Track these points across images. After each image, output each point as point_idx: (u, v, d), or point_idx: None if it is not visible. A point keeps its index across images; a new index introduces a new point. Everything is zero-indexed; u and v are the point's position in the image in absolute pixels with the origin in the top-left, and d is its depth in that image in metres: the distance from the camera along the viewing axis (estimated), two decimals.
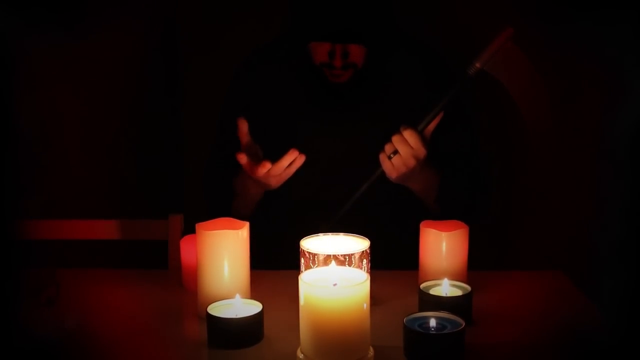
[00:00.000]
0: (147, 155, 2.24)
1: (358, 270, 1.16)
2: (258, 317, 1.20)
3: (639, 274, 1.64)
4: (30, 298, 1.34)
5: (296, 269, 1.23)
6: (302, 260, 1.21)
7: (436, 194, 1.64)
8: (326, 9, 1.48)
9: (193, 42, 2.32)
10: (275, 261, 1.54)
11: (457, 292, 1.28)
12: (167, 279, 1.51)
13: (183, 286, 1.44)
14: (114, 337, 1.25)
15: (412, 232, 1.42)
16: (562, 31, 1.99)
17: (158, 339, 1.24)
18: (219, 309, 1.21)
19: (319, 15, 1.49)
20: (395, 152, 1.52)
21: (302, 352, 1.11)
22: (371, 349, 1.12)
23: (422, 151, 1.52)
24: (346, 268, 1.16)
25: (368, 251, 1.21)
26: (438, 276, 1.33)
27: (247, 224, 1.30)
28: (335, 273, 1.13)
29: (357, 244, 1.23)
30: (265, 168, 1.48)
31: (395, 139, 1.52)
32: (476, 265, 1.42)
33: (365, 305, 1.09)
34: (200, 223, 1.30)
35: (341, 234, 1.26)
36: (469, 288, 1.28)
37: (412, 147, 1.51)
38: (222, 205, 1.68)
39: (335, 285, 1.10)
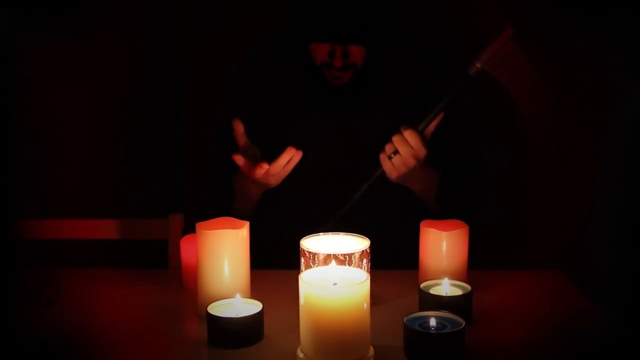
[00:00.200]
0: (147, 155, 2.24)
1: (358, 269, 1.16)
2: (258, 316, 1.20)
3: (639, 274, 1.64)
4: (30, 298, 1.34)
5: (296, 268, 1.23)
6: (302, 260, 1.21)
7: (436, 193, 1.65)
8: (326, 9, 1.48)
9: (193, 42, 2.32)
10: (276, 261, 1.54)
11: (457, 292, 1.28)
12: (168, 278, 1.51)
13: (183, 286, 1.44)
14: (114, 336, 1.25)
15: (412, 232, 1.42)
16: (563, 31, 2.00)
17: (158, 338, 1.24)
18: (219, 309, 1.21)
19: (320, 16, 1.49)
20: (396, 152, 1.52)
21: (302, 352, 1.11)
22: (371, 348, 1.12)
23: (422, 151, 1.52)
24: (346, 267, 1.16)
25: (368, 251, 1.21)
26: (438, 276, 1.33)
27: (247, 224, 1.30)
28: (335, 272, 1.13)
29: (357, 244, 1.23)
30: (262, 169, 1.49)
31: (395, 139, 1.52)
32: (476, 264, 1.42)
33: (366, 304, 1.09)
34: (201, 222, 1.30)
35: (341, 233, 1.26)
36: (469, 287, 1.28)
37: (412, 147, 1.51)
38: (222, 206, 1.68)
39: (335, 284, 1.10)
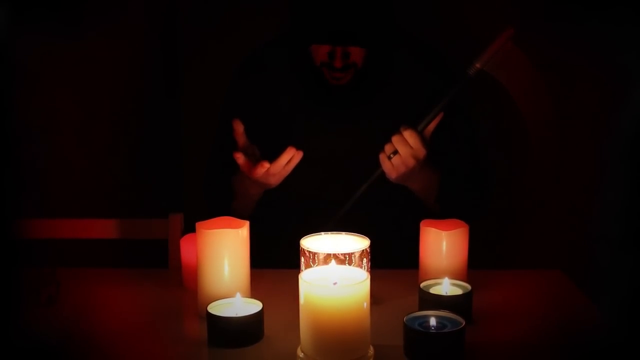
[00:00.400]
0: (147, 155, 2.24)
1: (358, 269, 1.16)
2: (258, 316, 1.20)
3: (639, 274, 1.64)
4: (30, 298, 1.34)
5: (296, 268, 1.23)
6: (303, 259, 1.21)
7: (436, 193, 1.65)
8: (326, 11, 1.48)
9: (193, 42, 2.32)
10: (276, 260, 1.54)
11: (457, 291, 1.28)
12: (168, 278, 1.51)
13: (183, 285, 1.44)
14: (114, 336, 1.25)
15: (412, 231, 1.42)
16: (562, 31, 2.00)
17: (158, 338, 1.24)
18: (219, 308, 1.21)
19: (319, 17, 1.49)
20: (395, 152, 1.52)
21: (302, 351, 1.11)
22: (371, 348, 1.12)
23: (421, 151, 1.52)
24: (346, 267, 1.16)
25: (368, 250, 1.21)
26: (438, 275, 1.33)
27: (247, 223, 1.30)
28: (335, 272, 1.14)
29: (357, 243, 1.23)
30: (263, 168, 1.49)
31: (395, 139, 1.52)
32: (476, 264, 1.42)
33: (366, 304, 1.09)
34: (201, 222, 1.30)
35: (341, 233, 1.26)
36: (469, 287, 1.28)
37: (411, 147, 1.51)
38: (222, 206, 1.68)
39: (335, 284, 1.10)
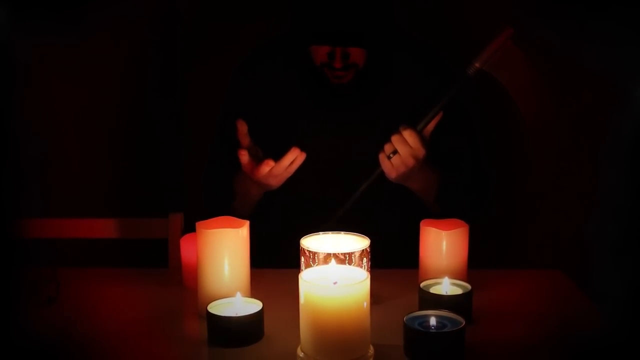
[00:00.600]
0: (147, 154, 2.24)
1: (358, 268, 1.16)
2: (258, 315, 1.20)
3: (639, 274, 1.64)
4: (30, 297, 1.34)
5: (296, 267, 1.23)
6: (303, 259, 1.21)
7: (436, 193, 1.65)
8: (325, 11, 1.48)
9: (193, 42, 2.32)
10: (276, 260, 1.54)
11: (457, 291, 1.28)
12: (168, 277, 1.51)
13: (183, 285, 1.44)
14: (114, 335, 1.25)
15: (412, 231, 1.42)
16: (562, 31, 2.00)
17: (158, 337, 1.24)
18: (219, 308, 1.21)
19: (319, 17, 1.49)
20: (395, 152, 1.52)
21: (302, 351, 1.11)
22: (371, 347, 1.12)
23: (421, 151, 1.52)
24: (346, 267, 1.16)
25: (368, 250, 1.21)
26: (438, 275, 1.33)
27: (247, 223, 1.30)
28: (335, 272, 1.13)
29: (357, 243, 1.23)
30: (268, 166, 1.48)
31: (394, 138, 1.52)
32: (476, 264, 1.42)
33: (366, 303, 1.09)
34: (201, 221, 1.30)
35: (341, 233, 1.26)
36: (469, 287, 1.28)
37: (411, 147, 1.51)
38: (222, 206, 1.68)
39: (335, 283, 1.10)
